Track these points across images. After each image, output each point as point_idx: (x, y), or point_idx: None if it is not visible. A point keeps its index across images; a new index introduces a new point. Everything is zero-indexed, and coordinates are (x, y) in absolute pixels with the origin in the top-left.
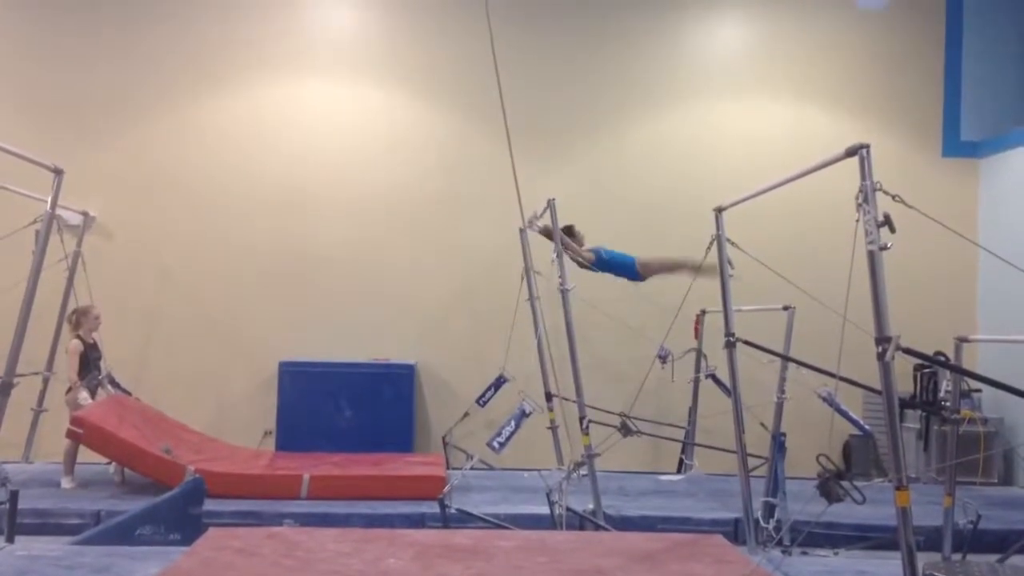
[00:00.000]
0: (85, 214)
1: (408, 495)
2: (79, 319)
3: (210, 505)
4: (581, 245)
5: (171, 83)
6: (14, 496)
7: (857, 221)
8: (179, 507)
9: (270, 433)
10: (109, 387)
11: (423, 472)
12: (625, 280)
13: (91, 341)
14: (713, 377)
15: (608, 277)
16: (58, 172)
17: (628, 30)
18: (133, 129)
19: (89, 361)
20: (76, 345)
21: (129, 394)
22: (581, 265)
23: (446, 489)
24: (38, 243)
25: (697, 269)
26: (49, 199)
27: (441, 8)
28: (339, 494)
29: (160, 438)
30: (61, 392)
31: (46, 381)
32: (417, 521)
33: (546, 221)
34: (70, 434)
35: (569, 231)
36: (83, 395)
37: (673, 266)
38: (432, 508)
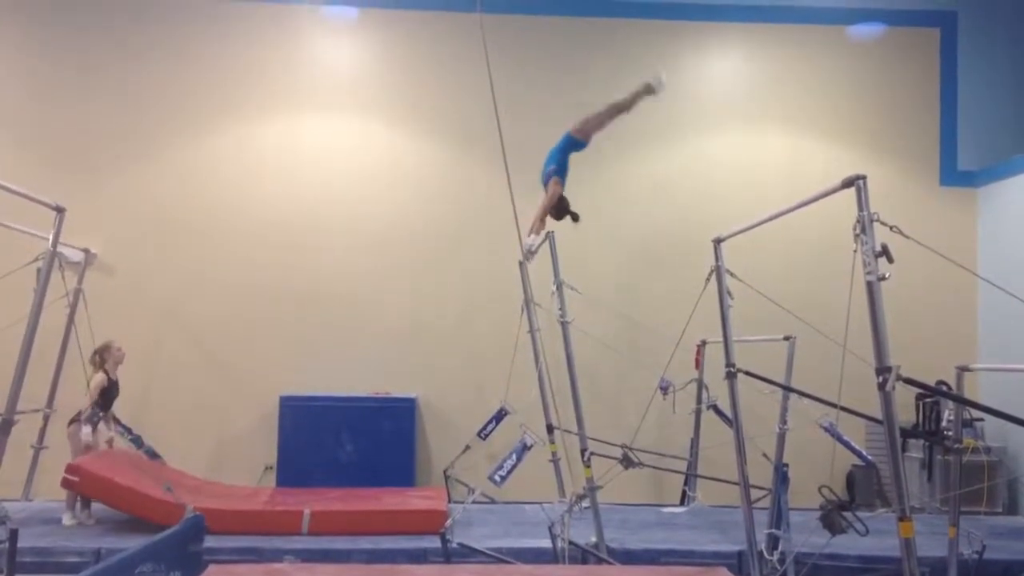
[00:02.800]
0: (86, 251)
1: (410, 530)
2: (102, 355)
3: (210, 542)
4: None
5: (171, 121)
6: (14, 535)
7: (855, 251)
8: (179, 544)
9: (271, 468)
10: (113, 427)
11: (424, 506)
12: (626, 311)
13: (115, 378)
14: (715, 408)
15: (607, 311)
16: (59, 210)
17: (625, 63)
18: (134, 167)
19: (109, 398)
20: (101, 379)
21: (130, 431)
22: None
23: (448, 523)
24: (39, 280)
25: (630, 103)
26: (50, 237)
27: (438, 43)
28: (341, 529)
29: (157, 481)
30: (61, 429)
31: (46, 418)
32: (419, 556)
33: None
34: (65, 483)
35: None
36: (86, 430)
37: (607, 115)
38: (434, 543)
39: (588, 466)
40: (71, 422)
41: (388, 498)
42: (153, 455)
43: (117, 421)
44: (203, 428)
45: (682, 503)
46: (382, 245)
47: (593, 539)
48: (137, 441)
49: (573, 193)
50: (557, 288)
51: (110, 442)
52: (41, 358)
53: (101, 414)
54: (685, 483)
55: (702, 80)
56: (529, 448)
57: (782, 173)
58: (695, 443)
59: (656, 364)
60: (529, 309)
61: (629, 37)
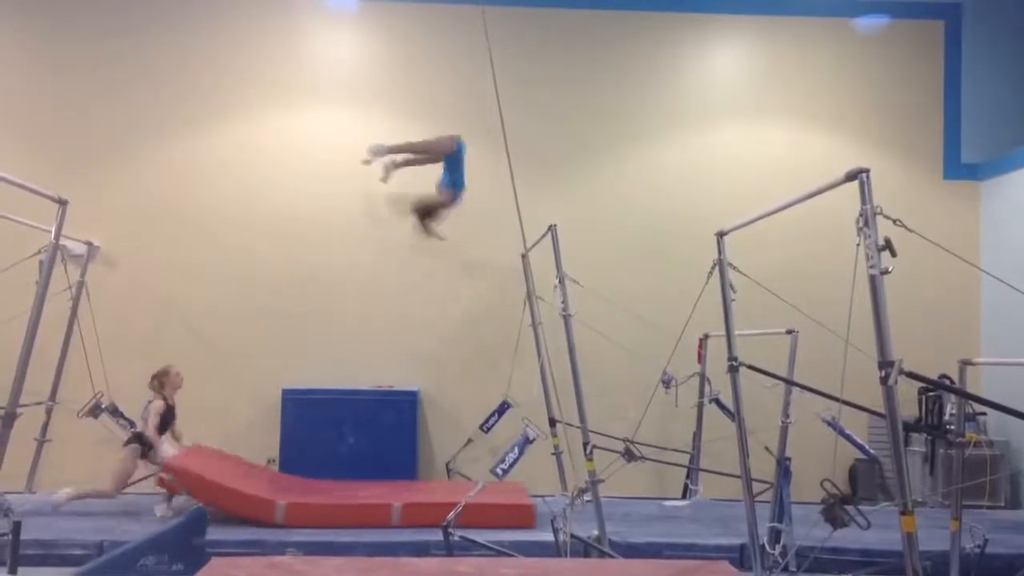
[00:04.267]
0: (89, 244)
1: (497, 524)
2: (161, 381)
3: (213, 535)
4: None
5: (174, 113)
6: (17, 527)
7: (858, 245)
8: (182, 537)
9: (273, 461)
10: (111, 416)
11: (512, 500)
12: (629, 305)
13: (172, 403)
14: (717, 402)
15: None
16: (62, 203)
17: (628, 57)
18: (136, 160)
19: (166, 422)
20: (160, 405)
21: (133, 424)
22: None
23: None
24: (42, 273)
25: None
26: (53, 230)
27: (441, 36)
28: (429, 522)
29: (240, 478)
30: (64, 422)
31: (49, 411)
32: (421, 549)
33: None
34: (161, 482)
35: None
36: (165, 448)
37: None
38: (436, 536)
39: (590, 459)
40: (129, 440)
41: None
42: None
43: (120, 414)
44: (205, 421)
45: (684, 496)
46: (384, 238)
47: (595, 532)
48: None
49: (576, 185)
50: (559, 281)
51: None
52: (44, 351)
53: (104, 405)
54: (687, 476)
55: (704, 73)
56: (531, 441)
57: (785, 166)
58: (697, 437)
59: (658, 358)
60: (531, 302)
61: (632, 29)
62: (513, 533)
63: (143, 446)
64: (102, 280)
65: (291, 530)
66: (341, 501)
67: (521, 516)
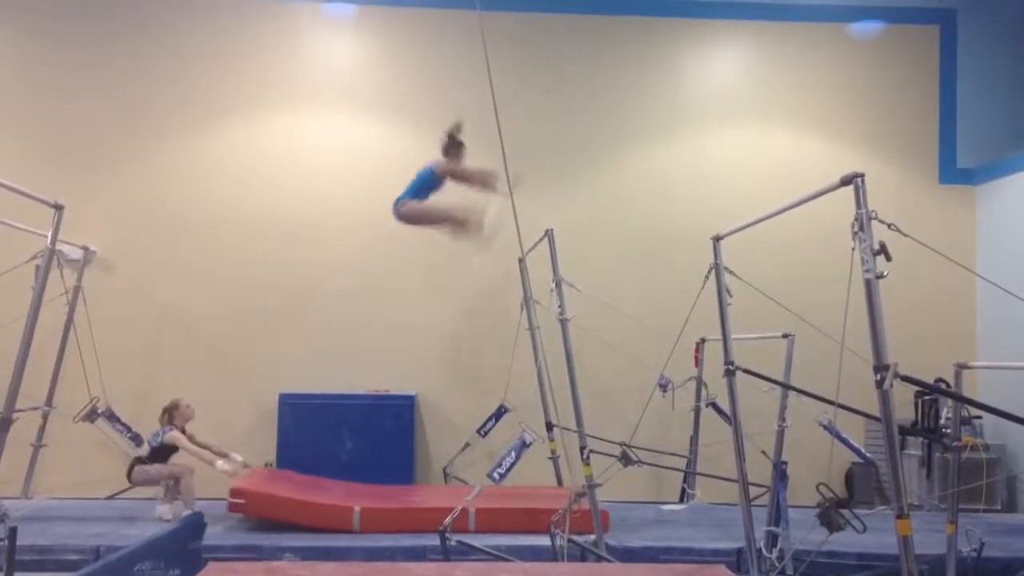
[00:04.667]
0: (85, 249)
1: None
2: (171, 414)
3: (210, 540)
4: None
5: (171, 117)
6: (13, 532)
7: (853, 249)
8: (179, 542)
9: (270, 465)
10: (107, 421)
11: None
12: (626, 309)
13: (185, 433)
14: (714, 405)
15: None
16: (58, 207)
17: (626, 61)
18: (133, 164)
19: (169, 451)
20: (179, 435)
21: (130, 429)
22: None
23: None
24: (38, 278)
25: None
26: (49, 234)
27: (439, 40)
28: (498, 527)
29: (315, 489)
30: (61, 428)
31: (45, 416)
32: (418, 554)
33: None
34: (233, 507)
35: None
36: (220, 463)
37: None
38: (433, 540)
39: (587, 464)
40: (130, 472)
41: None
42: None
43: (117, 419)
44: (202, 425)
45: (681, 501)
46: (381, 242)
47: (592, 536)
48: (137, 440)
49: (573, 189)
50: (556, 285)
51: (237, 468)
52: (40, 356)
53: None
54: (684, 481)
55: (701, 78)
56: (528, 445)
57: (781, 170)
58: (694, 441)
59: (655, 362)
60: (528, 306)
61: (629, 34)
62: (510, 537)
63: (142, 462)
64: (99, 285)
65: (287, 534)
66: (412, 505)
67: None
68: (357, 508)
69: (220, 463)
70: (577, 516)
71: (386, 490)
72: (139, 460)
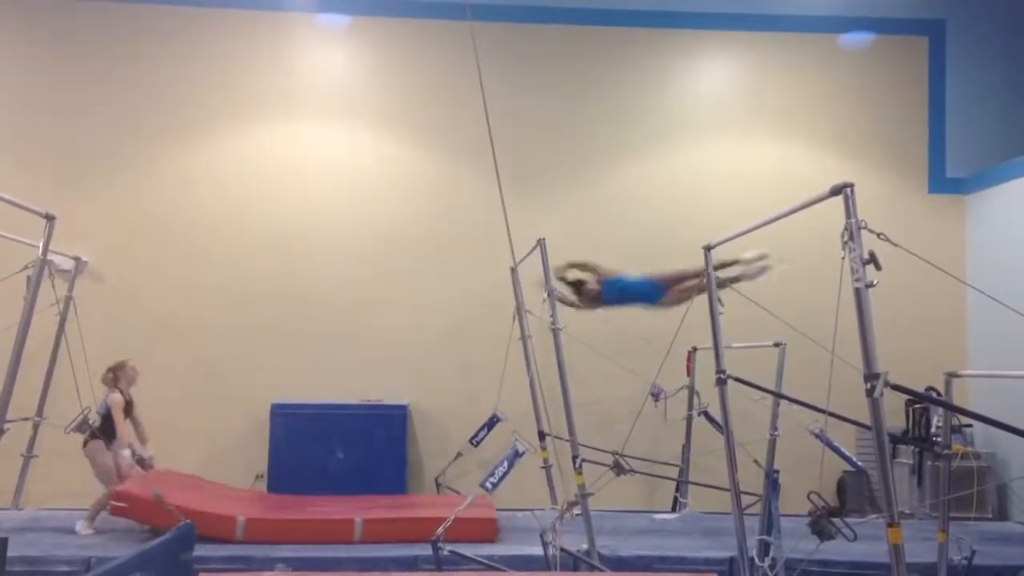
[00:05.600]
0: (77, 259)
1: (461, 538)
2: (116, 374)
3: (200, 551)
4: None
5: (163, 129)
6: (3, 543)
7: (843, 259)
8: (170, 553)
9: (262, 476)
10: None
11: (476, 515)
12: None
13: (129, 397)
14: (706, 414)
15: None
16: (50, 218)
17: (617, 72)
18: (125, 175)
19: (130, 416)
20: (119, 398)
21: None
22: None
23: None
24: (30, 288)
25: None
26: (41, 245)
27: (432, 52)
28: (393, 537)
29: (203, 496)
30: (52, 438)
31: (36, 427)
32: (410, 564)
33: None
34: (114, 510)
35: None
36: (125, 452)
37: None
38: (425, 550)
39: (579, 473)
40: (86, 442)
41: (432, 506)
42: (142, 462)
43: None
44: (194, 435)
45: (673, 509)
46: (374, 252)
47: (585, 546)
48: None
49: (565, 199)
50: (548, 295)
51: (145, 461)
52: (31, 366)
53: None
54: (676, 489)
55: (692, 88)
56: (521, 455)
57: (772, 180)
58: (686, 449)
59: (647, 371)
60: (521, 316)
61: (620, 45)
62: (503, 547)
63: (104, 439)
64: (90, 295)
65: (277, 546)
66: (297, 516)
67: (484, 530)
68: (241, 518)
69: (125, 452)
70: (458, 525)
71: (279, 500)
72: (93, 434)
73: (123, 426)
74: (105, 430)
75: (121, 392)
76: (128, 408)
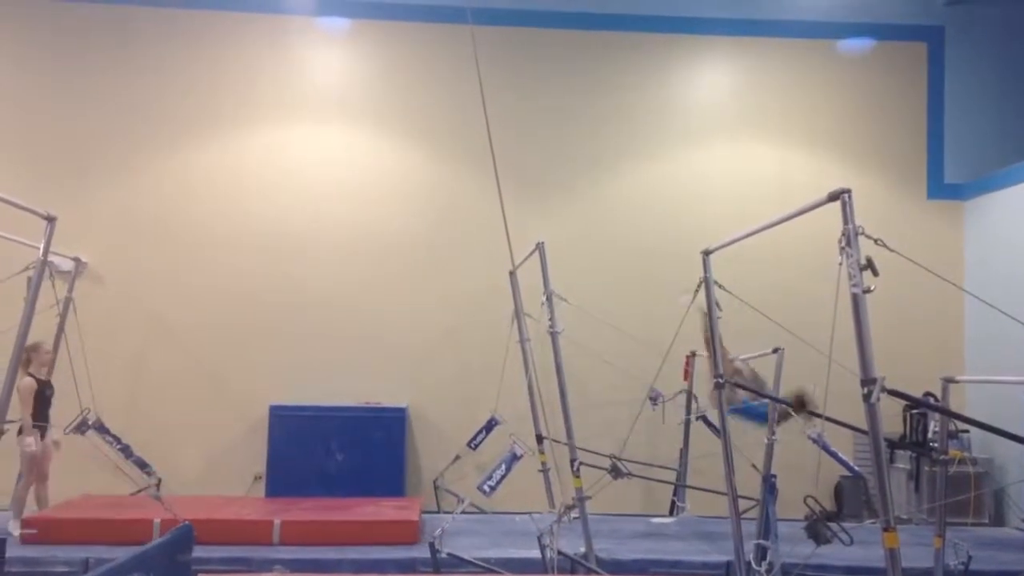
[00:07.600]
0: (77, 260)
1: (383, 540)
2: (29, 356)
3: (199, 552)
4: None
5: (163, 130)
6: (2, 544)
7: (841, 264)
8: (168, 554)
9: (260, 477)
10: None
11: (397, 517)
12: (616, 322)
13: (44, 378)
14: (704, 419)
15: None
16: (50, 219)
17: (617, 76)
18: (125, 176)
19: (44, 399)
20: (29, 383)
21: (119, 440)
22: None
23: (437, 533)
24: (30, 289)
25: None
26: (41, 246)
27: (431, 54)
28: (313, 540)
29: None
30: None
31: None
32: (408, 566)
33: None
34: (26, 538)
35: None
36: (29, 440)
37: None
38: (423, 553)
39: (577, 476)
40: (20, 431)
41: (361, 508)
42: (143, 466)
43: (107, 431)
44: (192, 437)
45: (671, 513)
46: (373, 255)
47: (582, 549)
48: (127, 451)
49: (564, 203)
50: (547, 299)
51: (58, 444)
52: None
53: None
54: (674, 493)
55: (691, 93)
56: (518, 458)
57: (770, 186)
58: (684, 454)
59: (645, 375)
60: (519, 319)
61: (620, 50)
62: (500, 550)
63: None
64: (90, 296)
65: (277, 547)
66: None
67: (404, 532)
68: (157, 520)
69: (28, 440)
70: (379, 527)
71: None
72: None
73: (27, 412)
74: (38, 411)
75: (33, 375)
76: (43, 391)
